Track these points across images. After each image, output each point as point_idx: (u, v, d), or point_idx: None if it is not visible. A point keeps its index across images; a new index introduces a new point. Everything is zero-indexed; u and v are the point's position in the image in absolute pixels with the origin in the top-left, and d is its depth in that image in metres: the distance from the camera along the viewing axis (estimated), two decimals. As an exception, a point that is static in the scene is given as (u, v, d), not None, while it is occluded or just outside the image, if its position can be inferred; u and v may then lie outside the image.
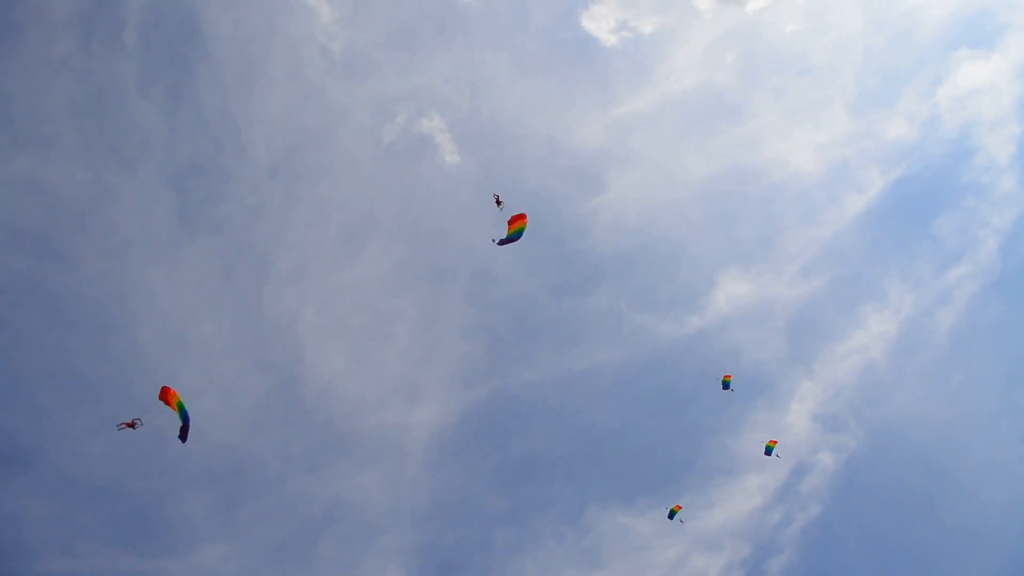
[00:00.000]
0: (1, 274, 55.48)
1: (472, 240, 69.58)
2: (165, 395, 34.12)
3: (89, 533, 54.68)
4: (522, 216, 37.60)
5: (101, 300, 58.91)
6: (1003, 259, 71.21)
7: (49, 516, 53.71)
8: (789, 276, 73.33)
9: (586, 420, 70.61)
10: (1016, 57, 73.58)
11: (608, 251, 73.88)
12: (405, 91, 69.91)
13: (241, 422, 62.39)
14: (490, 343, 71.58)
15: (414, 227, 71.26)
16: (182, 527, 57.58)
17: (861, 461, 67.63)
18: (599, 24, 72.28)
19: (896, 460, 68.82)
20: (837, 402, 69.41)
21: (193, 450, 56.88)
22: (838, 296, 73.50)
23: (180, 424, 34.50)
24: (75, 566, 53.34)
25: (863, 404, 69.57)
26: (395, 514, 63.30)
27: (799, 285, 73.16)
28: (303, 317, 67.34)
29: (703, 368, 70.38)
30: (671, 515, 51.72)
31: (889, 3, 77.46)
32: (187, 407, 34.50)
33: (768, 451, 54.45)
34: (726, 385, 53.70)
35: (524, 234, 38.00)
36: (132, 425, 35.24)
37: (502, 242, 38.09)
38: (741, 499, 65.53)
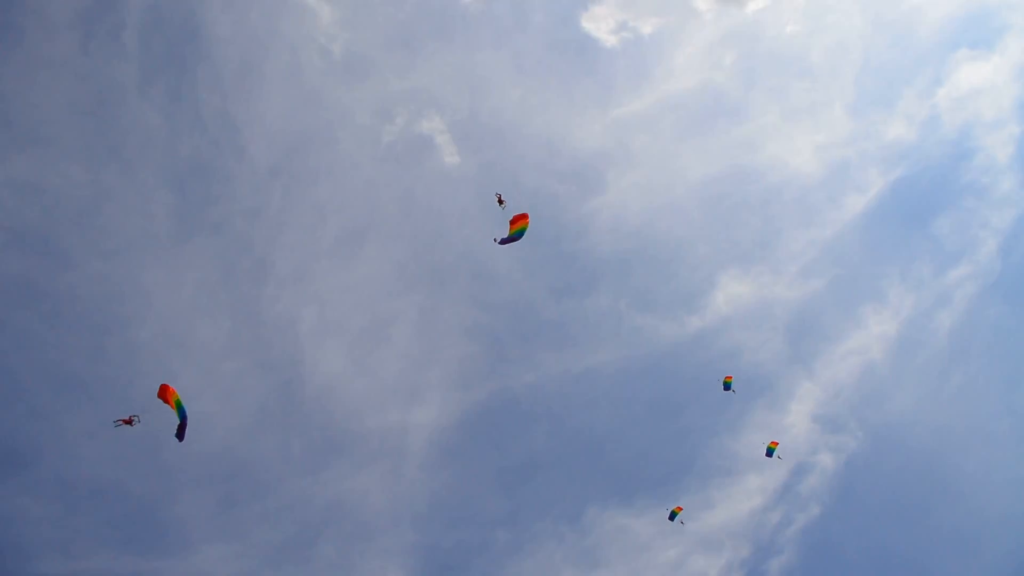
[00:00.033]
0: (0, 275, 55.65)
1: (472, 241, 69.73)
2: (164, 393, 34.00)
3: (88, 534, 54.74)
4: (524, 216, 37.54)
5: (100, 301, 58.97)
6: (1003, 260, 71.44)
7: (48, 517, 53.75)
8: (789, 277, 73.50)
9: (586, 421, 70.77)
10: (1016, 58, 73.77)
11: (608, 252, 74.00)
12: (405, 92, 70.06)
13: (240, 423, 62.47)
14: (490, 344, 71.67)
15: (414, 228, 71.37)
16: (182, 528, 57.66)
17: (861, 462, 67.85)
18: (599, 25, 72.45)
19: (896, 461, 69.04)
20: (837, 403, 69.62)
21: (193, 451, 56.97)
22: (838, 297, 73.67)
23: (178, 423, 34.42)
24: (74, 567, 53.32)
25: (863, 405, 69.74)
26: (395, 515, 63.43)
27: (799, 286, 73.32)
28: (302, 318, 67.42)
29: (703, 369, 70.62)
30: (672, 516, 51.74)
31: (889, 4, 77.66)
32: (186, 407, 34.44)
33: (770, 453, 54.45)
34: (727, 386, 53.68)
35: (525, 234, 38.00)
36: (129, 422, 35.13)
37: (503, 241, 38.03)
38: (741, 500, 65.64)
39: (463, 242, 70.77)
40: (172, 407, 33.97)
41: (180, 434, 34.48)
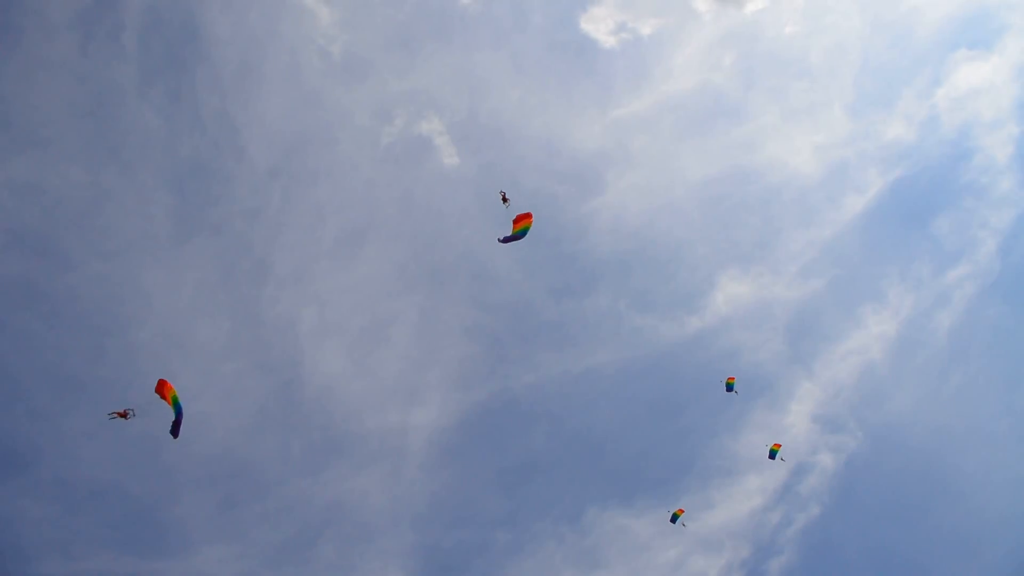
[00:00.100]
0: (0, 275, 55.66)
1: (471, 242, 69.78)
2: (161, 388, 33.94)
3: (88, 535, 54.78)
4: (528, 215, 37.51)
5: (100, 301, 59.00)
6: (1002, 259, 71.50)
7: (48, 518, 53.82)
8: (788, 277, 73.56)
9: (586, 421, 70.83)
10: (1015, 58, 73.80)
11: (607, 252, 74.05)
12: (404, 93, 70.14)
13: (240, 424, 62.56)
14: (489, 345, 71.75)
15: (413, 229, 71.44)
16: (182, 529, 57.73)
17: (860, 462, 67.92)
18: (598, 26, 72.52)
19: (895, 460, 69.05)
20: (836, 403, 69.69)
21: (193, 452, 57.11)
22: (837, 297, 73.75)
23: (173, 419, 34.35)
24: (75, 568, 53.40)
25: (862, 405, 69.83)
26: (395, 516, 63.47)
27: (798, 286, 73.37)
28: (302, 319, 67.52)
29: (702, 369, 70.73)
30: (674, 519, 51.75)
31: (888, 4, 77.73)
32: (185, 409, 34.42)
33: (772, 455, 54.48)
34: (730, 387, 53.67)
35: (527, 234, 37.97)
36: (124, 415, 35.13)
37: (506, 239, 38.02)
38: (741, 500, 65.69)
39: (463, 243, 70.99)
40: (168, 403, 33.93)
41: (175, 430, 34.42)
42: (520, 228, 37.67)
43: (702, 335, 71.62)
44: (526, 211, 37.69)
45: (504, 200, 39.05)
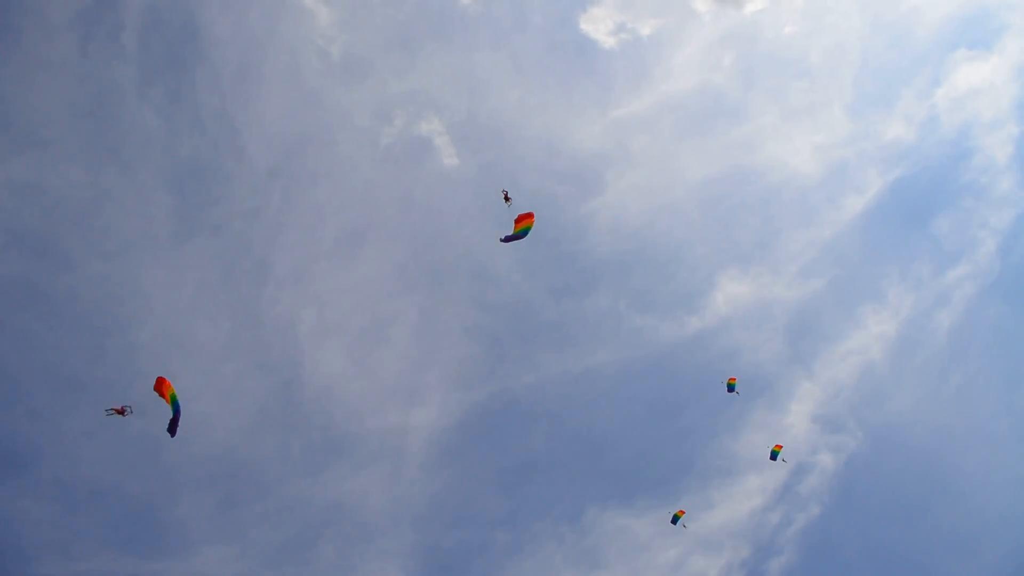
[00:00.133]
0: (0, 276, 55.64)
1: (471, 242, 69.79)
2: (160, 385, 33.84)
3: (88, 536, 54.77)
4: (530, 215, 37.53)
5: (100, 302, 59.01)
6: (1002, 259, 71.53)
7: (48, 519, 53.82)
8: (788, 277, 73.57)
9: (585, 421, 70.82)
10: (1014, 58, 73.86)
11: (607, 252, 74.03)
12: (403, 93, 70.12)
13: (240, 424, 62.56)
14: (489, 345, 71.74)
15: (413, 229, 71.40)
16: (182, 529, 57.68)
17: (860, 462, 67.94)
18: (597, 27, 72.53)
19: (895, 461, 69.08)
20: (836, 403, 69.69)
21: (192, 452, 57.07)
22: (837, 297, 73.77)
23: (170, 417, 34.23)
24: (75, 569, 53.38)
25: (862, 405, 69.84)
26: (395, 516, 63.46)
27: (798, 286, 73.38)
28: (302, 319, 67.53)
29: (702, 369, 70.76)
30: (675, 520, 51.72)
31: (887, 4, 77.78)
32: (185, 409, 34.37)
33: (774, 456, 54.48)
34: (731, 388, 53.64)
35: (529, 233, 38.00)
36: (121, 412, 35.09)
37: (507, 239, 38.03)
38: (741, 500, 65.69)
39: (462, 243, 70.98)
40: (167, 400, 33.86)
41: (172, 429, 34.28)
42: (522, 228, 37.68)
43: (702, 335, 71.77)
44: (528, 211, 37.76)
45: (506, 199, 39.07)
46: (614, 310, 72.52)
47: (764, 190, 75.35)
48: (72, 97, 58.76)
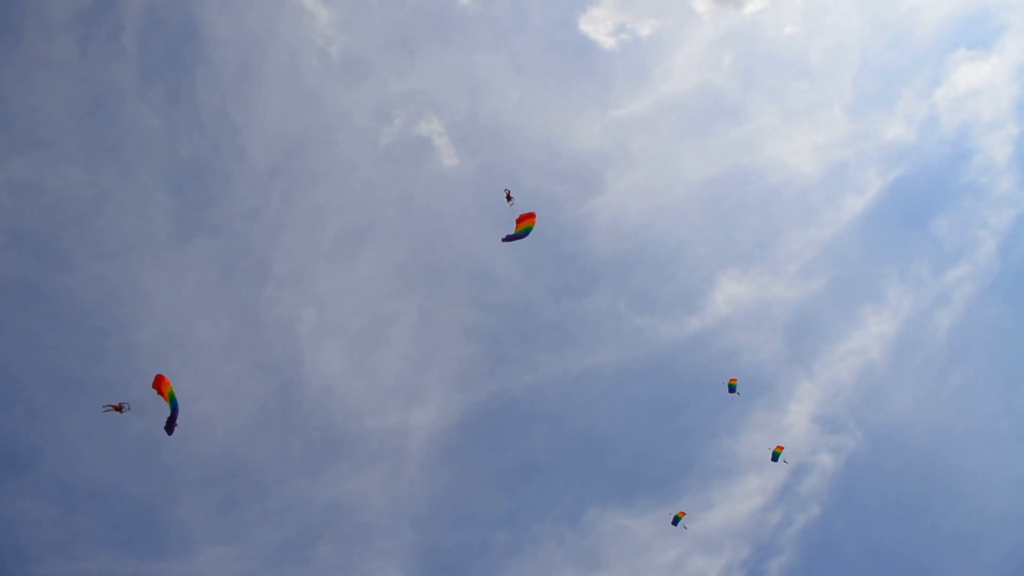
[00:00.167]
0: (0, 276, 55.64)
1: (471, 242, 69.82)
2: (159, 383, 33.69)
3: (88, 536, 54.75)
4: (531, 215, 37.52)
5: (99, 302, 59.02)
6: (1001, 259, 71.51)
7: (48, 519, 53.79)
8: (788, 277, 73.54)
9: (585, 421, 70.76)
10: (1014, 58, 73.89)
11: (607, 252, 74.00)
12: (403, 93, 70.12)
13: (240, 424, 62.53)
14: (489, 345, 71.70)
15: (413, 229, 71.37)
16: (182, 529, 57.66)
17: (860, 462, 67.89)
18: (597, 27, 72.54)
19: (895, 461, 69.05)
20: (836, 403, 69.66)
21: (192, 452, 57.07)
22: (837, 297, 73.72)
23: (168, 415, 34.07)
24: (74, 569, 53.36)
25: (862, 405, 69.81)
26: (394, 516, 63.41)
27: (798, 286, 73.35)
28: (302, 319, 67.48)
29: (702, 369, 70.82)
30: (675, 522, 51.66)
31: (887, 4, 77.81)
32: (185, 409, 34.32)
33: (775, 457, 54.42)
34: (732, 388, 53.58)
35: (530, 233, 38.00)
36: (119, 408, 35.00)
37: (508, 238, 38.01)
38: (741, 500, 65.66)
39: (462, 243, 71.00)
40: (165, 398, 33.74)
41: (170, 427, 34.11)
42: (523, 228, 37.66)
43: (702, 335, 71.71)
44: (530, 211, 37.76)
45: (508, 199, 39.05)
46: (614, 310, 72.62)
47: (764, 190, 75.48)
48: (72, 97, 58.89)
